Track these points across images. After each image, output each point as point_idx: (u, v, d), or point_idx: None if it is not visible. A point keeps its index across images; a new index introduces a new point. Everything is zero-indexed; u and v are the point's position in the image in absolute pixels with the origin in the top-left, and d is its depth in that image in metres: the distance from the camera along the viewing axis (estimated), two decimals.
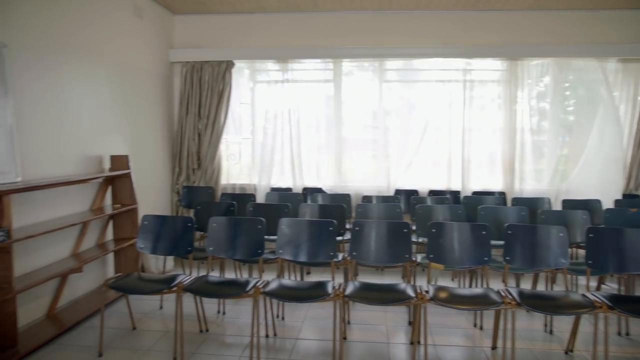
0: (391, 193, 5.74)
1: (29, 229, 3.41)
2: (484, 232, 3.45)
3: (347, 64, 5.95)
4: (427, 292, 3.16)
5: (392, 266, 4.81)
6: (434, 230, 3.53)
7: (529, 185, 5.74)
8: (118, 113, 4.80)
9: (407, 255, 3.47)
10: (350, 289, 3.23)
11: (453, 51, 5.62)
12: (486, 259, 3.40)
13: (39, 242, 3.65)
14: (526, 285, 4.29)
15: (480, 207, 4.54)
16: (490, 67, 5.80)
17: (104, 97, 4.56)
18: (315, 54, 5.80)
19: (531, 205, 4.79)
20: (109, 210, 4.36)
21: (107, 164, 4.56)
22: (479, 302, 3.08)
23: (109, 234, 4.63)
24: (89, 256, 4.03)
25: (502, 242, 3.54)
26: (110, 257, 4.67)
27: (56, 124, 3.90)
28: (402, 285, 3.37)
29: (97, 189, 4.46)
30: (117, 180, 4.59)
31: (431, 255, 3.50)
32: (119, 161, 4.53)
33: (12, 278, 3.17)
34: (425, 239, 3.75)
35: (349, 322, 3.88)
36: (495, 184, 5.79)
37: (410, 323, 3.84)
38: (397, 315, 4.04)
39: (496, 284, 3.51)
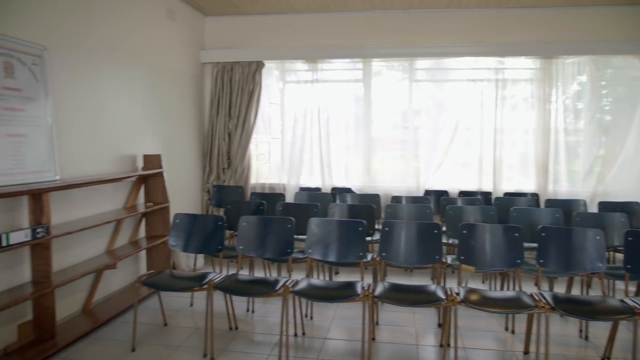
0: (421, 193, 5.68)
1: (67, 226, 3.52)
2: (516, 234, 3.38)
3: (376, 64, 5.92)
4: (457, 294, 3.12)
5: (422, 267, 4.77)
6: (465, 232, 3.48)
7: (563, 186, 5.60)
8: (151, 113, 4.90)
9: (437, 257, 3.43)
10: (379, 289, 3.22)
11: (485, 50, 5.53)
12: (519, 261, 3.34)
13: (76, 238, 3.75)
14: (560, 289, 4.18)
15: (513, 209, 4.45)
16: (523, 66, 5.69)
17: (137, 98, 4.66)
18: (345, 53, 5.79)
19: (565, 207, 4.66)
20: (141, 208, 4.45)
21: (140, 163, 4.66)
22: (512, 306, 3.02)
23: (142, 232, 4.73)
24: (122, 253, 4.13)
25: (535, 245, 3.47)
26: (143, 254, 4.78)
27: (92, 124, 4.01)
28: (432, 286, 3.34)
29: (131, 187, 4.56)
30: (149, 179, 4.69)
31: (462, 257, 3.45)
32: (151, 160, 4.62)
33: (50, 273, 3.28)
34: (456, 241, 3.71)
35: (377, 323, 3.86)
36: (527, 185, 5.67)
37: (439, 325, 3.80)
38: (426, 317, 4.00)
39: (528, 288, 3.44)
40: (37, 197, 3.22)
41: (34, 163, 3.30)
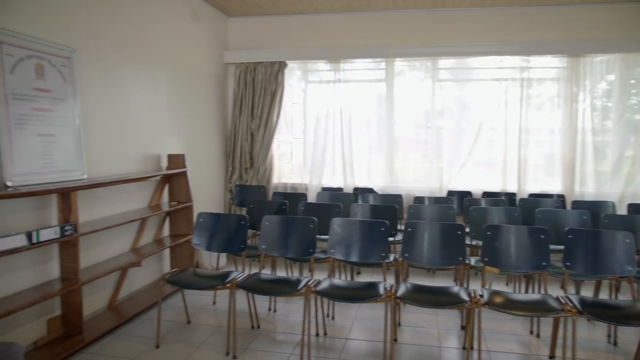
0: (443, 194, 5.63)
1: (94, 224, 3.59)
2: (542, 236, 3.33)
3: (399, 63, 5.89)
4: (481, 296, 3.08)
5: (445, 269, 4.73)
6: (489, 233, 3.44)
7: (590, 188, 5.47)
8: (175, 113, 4.96)
9: (460, 258, 3.40)
10: (402, 290, 3.20)
11: (510, 49, 5.44)
12: (545, 263, 3.28)
13: (102, 236, 3.82)
14: (587, 292, 4.10)
15: (538, 210, 4.37)
16: (549, 65, 5.58)
17: (162, 98, 4.73)
18: (367, 53, 5.77)
19: (593, 209, 4.56)
20: (166, 207, 4.51)
21: (164, 163, 4.73)
22: (537, 309, 2.97)
23: (166, 230, 4.79)
24: (147, 251, 4.19)
25: (561, 247, 3.40)
26: (166, 252, 4.84)
27: (118, 124, 4.08)
28: (455, 288, 3.31)
29: (155, 186, 4.63)
30: (173, 178, 4.75)
31: (486, 259, 3.41)
32: (175, 160, 4.68)
33: (78, 270, 3.35)
34: (480, 242, 3.66)
35: (399, 324, 3.84)
36: (553, 186, 5.57)
37: (462, 327, 3.75)
38: (449, 318, 3.97)
39: (554, 291, 3.38)
40: (66, 195, 3.30)
41: (63, 162, 3.38)
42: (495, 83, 5.67)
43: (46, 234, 2.97)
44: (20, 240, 2.77)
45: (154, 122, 4.61)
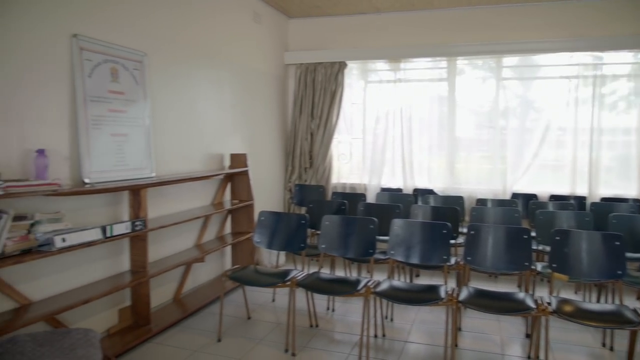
0: (507, 196, 5.43)
1: (161, 220, 3.74)
2: (617, 243, 3.14)
3: (461, 62, 5.74)
4: (549, 303, 2.95)
5: (509, 274, 4.56)
6: (557, 238, 3.28)
7: None
8: (238, 114, 5.09)
9: (526, 263, 3.27)
10: (464, 294, 3.12)
11: (581, 44, 5.17)
12: (620, 272, 3.09)
13: (168, 232, 3.98)
14: None
15: (612, 215, 4.13)
16: (623, 61, 5.25)
17: (225, 99, 4.86)
18: (429, 52, 5.67)
19: None
20: (228, 205, 4.63)
21: (227, 162, 4.86)
22: (611, 320, 2.80)
23: (227, 228, 4.93)
24: (210, 248, 4.32)
25: (638, 255, 3.19)
26: (228, 249, 4.97)
27: (184, 125, 4.24)
28: (521, 294, 3.19)
29: (218, 185, 4.77)
30: (235, 177, 4.87)
31: (554, 265, 3.26)
32: (238, 159, 4.80)
33: (146, 263, 3.51)
34: (547, 247, 3.51)
35: (460, 329, 3.74)
36: (629, 190, 5.22)
37: (527, 336, 3.61)
38: (512, 326, 3.82)
39: (630, 302, 3.18)
40: (136, 192, 3.46)
41: (134, 161, 3.55)
42: (565, 81, 5.40)
43: (118, 229, 3.13)
44: (95, 234, 2.93)
45: (218, 122, 4.75)
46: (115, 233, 3.09)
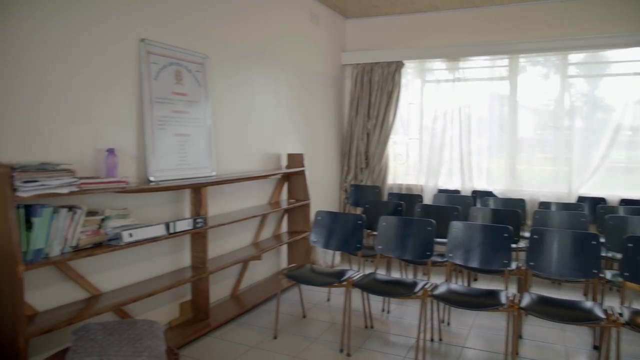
0: (572, 200, 5.18)
1: (220, 218, 3.85)
2: None
3: (523, 60, 5.52)
4: (620, 314, 2.79)
5: (574, 281, 4.35)
6: (630, 245, 3.09)
7: None
8: (295, 114, 5.15)
9: (595, 271, 3.10)
10: (526, 300, 3.01)
11: None
12: None
13: (227, 230, 4.08)
14: None
15: None
16: None
17: (282, 99, 4.93)
18: (489, 50, 5.50)
19: None
20: (284, 204, 4.70)
21: (284, 162, 4.93)
22: None
23: (284, 227, 4.99)
24: (266, 246, 4.40)
25: None
26: (284, 248, 5.04)
27: (243, 125, 4.33)
28: (588, 303, 3.03)
29: (275, 184, 4.84)
30: (292, 176, 4.93)
31: (626, 274, 3.07)
32: (295, 159, 4.86)
33: (206, 260, 3.62)
34: (617, 254, 3.32)
35: (521, 337, 3.61)
36: None
37: (595, 347, 3.42)
38: (577, 336, 3.64)
39: None
40: (197, 190, 3.57)
41: (195, 160, 3.66)
42: (637, 78, 5.07)
43: (181, 225, 3.25)
44: (160, 230, 3.06)
45: (275, 122, 4.82)
46: (178, 229, 3.21)
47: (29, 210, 2.40)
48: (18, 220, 2.31)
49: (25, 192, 2.30)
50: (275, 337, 3.56)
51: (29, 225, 2.39)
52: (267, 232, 4.72)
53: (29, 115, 2.56)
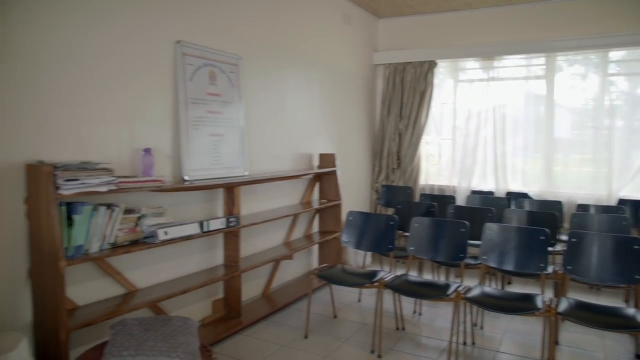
0: (612, 203, 5.00)
1: (252, 217, 3.89)
2: None
3: (561, 58, 5.37)
4: None
5: (615, 286, 4.21)
6: None
7: None
8: (326, 114, 5.16)
9: (637, 277, 2.99)
10: (563, 305, 2.93)
11: None
12: None
13: (259, 229, 4.12)
14: None
15: None
16: None
17: (314, 100, 4.94)
18: (525, 48, 5.38)
19: None
20: (316, 204, 4.70)
21: (315, 162, 4.94)
22: None
23: (315, 227, 5.00)
24: (298, 246, 4.42)
25: None
26: (315, 247, 5.05)
27: (275, 125, 4.36)
28: (630, 310, 2.93)
29: (307, 184, 4.86)
30: (324, 176, 4.94)
31: None
32: (326, 159, 4.86)
33: (238, 258, 3.66)
34: None
35: (557, 343, 3.51)
36: None
37: (637, 356, 3.30)
38: (618, 344, 3.52)
39: None
40: (230, 190, 3.62)
41: (228, 160, 3.71)
42: None
43: (214, 224, 3.29)
44: (194, 228, 3.11)
45: (307, 122, 4.84)
46: (211, 228, 3.26)
47: (70, 208, 2.48)
48: (60, 218, 2.38)
49: (67, 190, 2.37)
50: (306, 337, 3.57)
51: (70, 222, 2.47)
52: (298, 232, 4.74)
53: (71, 116, 2.64)
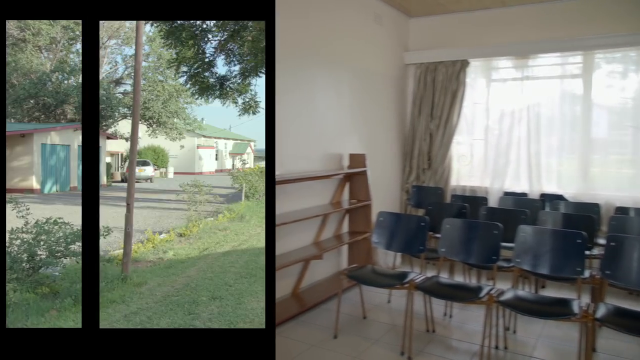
0: None
1: (283, 217, 3.91)
2: None
3: (598, 56, 5.21)
4: None
5: None
6: None
7: None
8: (356, 114, 5.15)
9: None
10: (601, 311, 2.85)
11: None
12: None
13: (289, 228, 4.13)
14: None
15: None
16: None
17: (344, 99, 4.94)
18: (561, 47, 5.24)
19: None
20: (346, 204, 4.71)
21: (346, 162, 4.93)
22: None
23: (345, 227, 5.00)
24: (327, 246, 4.43)
25: None
26: (344, 248, 5.05)
27: (306, 125, 4.38)
28: None
29: (337, 184, 4.86)
30: (354, 177, 4.93)
31: None
32: (356, 159, 4.86)
33: None
34: None
35: (594, 350, 3.41)
36: None
37: None
38: None
39: None
40: None
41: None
42: None
43: None
44: None
45: (338, 122, 4.84)
46: None
47: None
48: None
49: None
50: (335, 337, 3.57)
51: None
52: (328, 232, 4.75)
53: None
